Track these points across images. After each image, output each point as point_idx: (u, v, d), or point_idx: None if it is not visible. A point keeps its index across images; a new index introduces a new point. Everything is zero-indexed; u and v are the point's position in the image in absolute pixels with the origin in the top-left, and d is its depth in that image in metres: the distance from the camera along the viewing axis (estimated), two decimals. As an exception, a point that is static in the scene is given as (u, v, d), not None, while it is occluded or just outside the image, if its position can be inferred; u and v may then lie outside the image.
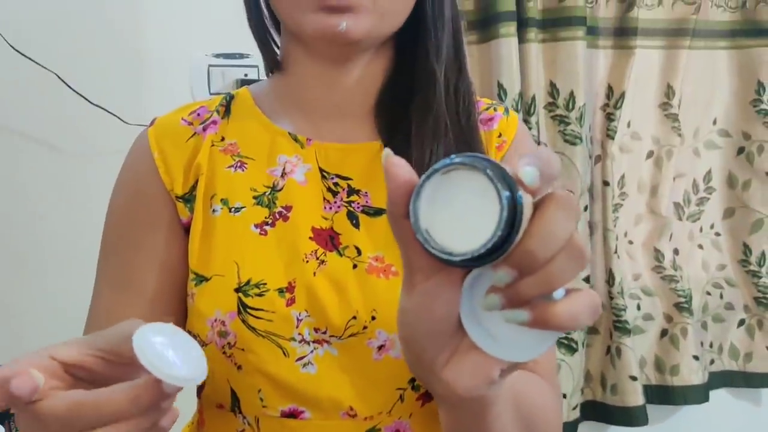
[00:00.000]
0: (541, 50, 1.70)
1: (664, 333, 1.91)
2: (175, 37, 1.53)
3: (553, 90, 1.72)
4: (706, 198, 1.99)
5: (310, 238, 0.61)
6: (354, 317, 0.58)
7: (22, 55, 1.38)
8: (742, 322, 1.99)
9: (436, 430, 0.56)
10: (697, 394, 1.88)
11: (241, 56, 1.57)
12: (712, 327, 1.99)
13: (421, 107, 0.65)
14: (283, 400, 0.60)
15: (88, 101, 1.42)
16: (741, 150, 1.96)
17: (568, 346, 1.76)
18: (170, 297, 0.66)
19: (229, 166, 0.66)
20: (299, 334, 0.59)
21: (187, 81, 1.55)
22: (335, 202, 0.63)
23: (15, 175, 1.47)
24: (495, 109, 0.71)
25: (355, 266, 0.60)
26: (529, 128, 1.67)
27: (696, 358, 1.88)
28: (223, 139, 0.67)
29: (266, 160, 0.66)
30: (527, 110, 1.67)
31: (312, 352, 0.59)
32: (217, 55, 1.56)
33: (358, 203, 0.63)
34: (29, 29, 1.40)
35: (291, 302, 0.59)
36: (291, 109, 0.69)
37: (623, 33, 1.80)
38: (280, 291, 0.59)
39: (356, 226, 0.62)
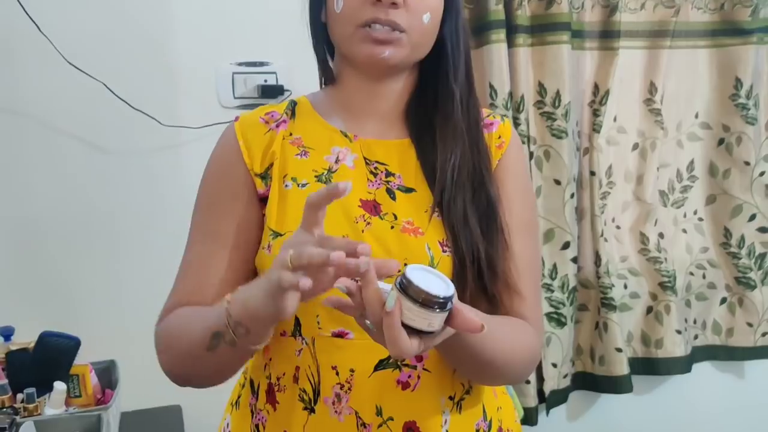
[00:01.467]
0: (530, 53, 1.88)
1: (649, 310, 2.08)
2: (203, 49, 1.73)
3: (541, 89, 1.89)
4: (689, 186, 2.15)
5: (358, 206, 0.81)
6: None
7: (74, 66, 1.60)
8: (723, 300, 2.15)
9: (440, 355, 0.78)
10: (679, 365, 2.05)
11: (261, 64, 1.77)
12: (696, 305, 2.15)
13: (443, 118, 0.85)
14: (335, 324, 0.79)
15: (130, 106, 1.64)
16: (721, 141, 2.12)
17: (557, 320, 1.94)
18: (245, 248, 0.84)
19: (297, 154, 0.86)
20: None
21: (214, 87, 1.75)
22: (376, 182, 0.83)
23: (66, 173, 1.68)
24: (494, 117, 0.90)
25: (392, 227, 0.80)
26: (518, 124, 1.85)
27: (678, 332, 2.05)
28: (291, 134, 0.87)
29: (324, 150, 0.86)
30: (516, 108, 1.85)
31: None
32: (240, 64, 1.76)
33: (394, 182, 0.83)
34: (80, 44, 1.61)
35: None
36: (342, 112, 0.88)
37: (607, 35, 1.97)
38: None
39: (393, 198, 0.82)
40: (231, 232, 0.83)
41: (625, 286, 2.08)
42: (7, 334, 1.61)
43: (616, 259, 2.08)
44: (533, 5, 1.87)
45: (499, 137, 0.88)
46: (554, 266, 1.93)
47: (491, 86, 1.81)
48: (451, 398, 0.83)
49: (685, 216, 2.16)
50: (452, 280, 0.64)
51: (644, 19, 2.02)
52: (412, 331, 0.60)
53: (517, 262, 0.83)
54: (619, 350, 1.96)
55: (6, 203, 1.66)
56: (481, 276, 0.80)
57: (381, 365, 0.79)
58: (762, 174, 2.08)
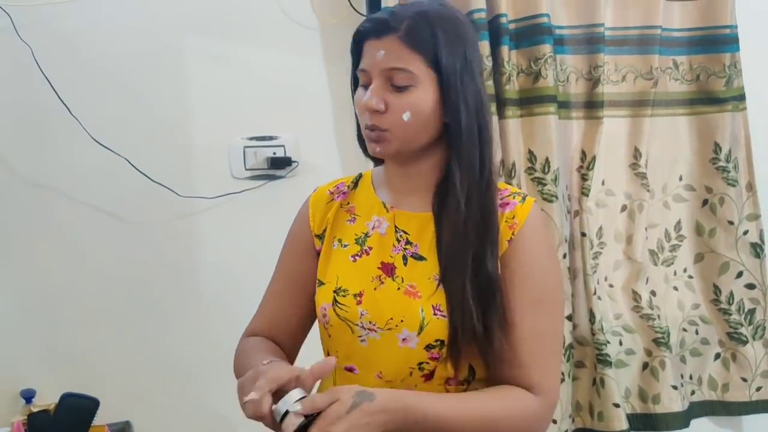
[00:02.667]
0: (519, 124, 2.02)
1: (645, 366, 2.14)
2: (216, 125, 1.88)
3: (531, 156, 2.02)
4: (677, 245, 2.25)
5: (378, 267, 0.97)
6: (392, 318, 0.92)
7: (100, 144, 1.74)
8: (717, 356, 2.21)
9: None
10: (678, 420, 2.09)
11: (271, 138, 1.91)
12: (691, 360, 2.21)
13: (452, 196, 0.93)
14: (346, 361, 0.97)
15: (150, 179, 1.77)
16: (705, 202, 2.23)
17: (555, 376, 2.01)
18: (306, 289, 1.04)
19: (347, 220, 1.04)
20: (361, 322, 0.94)
21: (227, 160, 1.89)
22: (398, 247, 0.97)
23: (87, 241, 1.80)
24: (514, 197, 0.96)
25: (398, 288, 0.94)
26: (511, 189, 1.97)
27: (675, 387, 2.10)
28: (348, 203, 1.06)
29: (367, 217, 1.02)
30: (508, 174, 1.98)
31: (367, 334, 0.94)
32: (251, 138, 1.90)
33: (410, 250, 0.96)
34: (105, 124, 1.76)
35: (359, 303, 0.94)
36: (387, 186, 1.04)
37: (592, 105, 2.11)
38: (355, 296, 0.95)
39: (405, 264, 0.95)
40: (298, 276, 1.05)
41: (620, 343, 2.15)
42: (29, 396, 1.69)
43: (610, 317, 2.15)
44: (521, 80, 2.03)
45: (513, 217, 0.94)
46: (550, 324, 2.00)
47: (484, 155, 1.94)
48: None
49: (675, 274, 2.24)
50: (447, 343, 0.86)
51: (626, 90, 2.16)
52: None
53: (524, 335, 0.91)
54: (617, 405, 2.01)
55: (29, 270, 1.77)
56: (475, 342, 0.90)
57: None
58: (746, 233, 2.18)
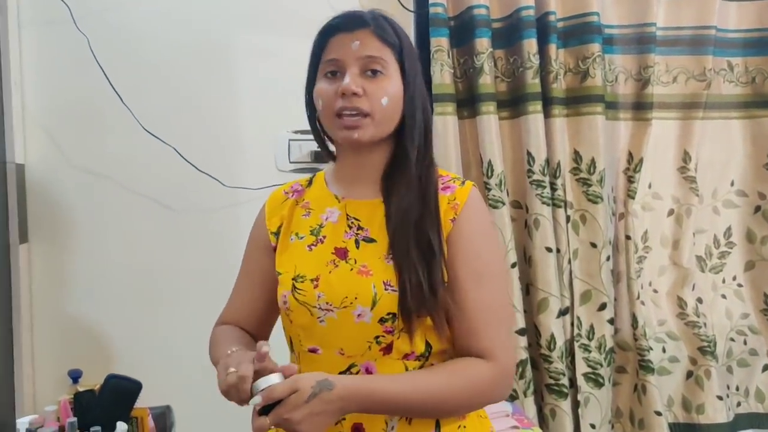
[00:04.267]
0: (565, 123, 1.99)
1: (689, 375, 2.09)
2: (263, 118, 1.91)
3: (576, 156, 1.99)
4: (727, 252, 2.19)
5: (332, 252, 1.02)
6: (346, 297, 0.97)
7: (150, 133, 1.79)
8: (766, 368, 2.14)
9: (392, 371, 0.96)
10: (722, 432, 2.04)
11: (315, 132, 1.93)
12: (738, 371, 2.15)
13: (400, 175, 1.03)
14: (308, 342, 1.01)
15: (197, 168, 1.81)
16: (758, 208, 2.16)
17: (595, 380, 1.97)
18: (265, 283, 1.11)
19: (303, 215, 1.10)
20: (318, 304, 0.99)
21: (272, 152, 1.92)
22: (350, 233, 1.02)
23: (135, 229, 1.85)
24: (454, 182, 1.05)
25: (351, 269, 1.00)
26: (555, 189, 1.95)
27: (720, 398, 2.04)
28: (303, 199, 1.13)
29: (321, 210, 1.08)
30: (553, 174, 1.95)
31: (324, 314, 0.99)
32: (296, 132, 1.92)
33: (362, 234, 1.02)
34: (155, 114, 1.81)
35: (316, 287, 1.00)
36: (339, 180, 1.10)
37: (640, 107, 2.07)
38: (312, 280, 1.00)
39: (357, 247, 1.01)
40: (258, 273, 1.12)
41: (664, 350, 2.10)
42: (76, 376, 1.74)
43: (653, 323, 2.11)
44: (568, 79, 2.00)
45: (454, 199, 1.02)
46: (591, 327, 1.97)
47: (529, 153, 1.92)
48: None
49: (723, 281, 2.18)
50: (398, 313, 0.94)
51: (676, 91, 2.12)
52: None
53: (470, 305, 0.98)
54: (659, 414, 1.97)
55: (80, 255, 1.82)
56: (424, 305, 0.95)
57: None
58: (800, 242, 2.11)
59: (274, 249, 1.09)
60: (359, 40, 1.00)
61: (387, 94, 0.99)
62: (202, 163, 1.82)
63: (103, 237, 1.83)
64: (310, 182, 1.15)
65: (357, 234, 1.02)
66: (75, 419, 1.53)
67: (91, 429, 1.52)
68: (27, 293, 1.77)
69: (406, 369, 0.98)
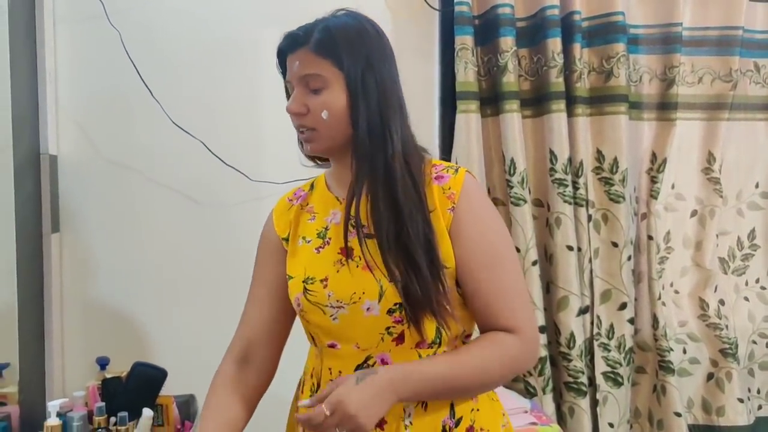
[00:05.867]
0: (589, 122, 1.99)
1: (710, 377, 2.08)
2: (287, 116, 1.93)
3: (599, 156, 2.00)
4: (750, 254, 2.17)
5: (338, 252, 1.05)
6: (354, 293, 1.00)
7: (178, 126, 1.83)
8: (788, 371, 2.13)
9: (407, 360, 0.99)
10: (742, 435, 2.03)
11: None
12: (759, 374, 2.13)
13: (369, 182, 1.03)
14: (326, 338, 1.05)
15: (224, 162, 1.85)
16: (783, 211, 2.15)
17: (614, 380, 1.98)
18: (278, 288, 1.14)
19: (309, 219, 1.13)
20: (329, 303, 1.02)
21: (296, 148, 1.93)
22: (353, 232, 1.03)
23: (162, 220, 1.89)
24: (447, 171, 1.06)
25: (357, 266, 1.02)
26: (577, 188, 1.96)
27: (741, 400, 2.03)
28: (308, 203, 1.15)
29: (325, 213, 1.11)
30: (575, 173, 1.96)
31: (336, 311, 1.02)
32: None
33: (363, 231, 1.02)
34: (184, 108, 1.85)
35: (325, 287, 1.03)
36: (336, 183, 1.12)
37: (665, 107, 2.07)
38: (321, 281, 1.04)
39: (361, 244, 1.02)
40: (273, 280, 1.14)
41: (684, 351, 2.09)
42: (104, 363, 1.79)
43: (674, 324, 2.10)
44: (592, 78, 2.01)
45: (449, 188, 1.03)
46: (611, 326, 1.98)
47: (551, 152, 1.93)
48: None
49: (746, 284, 2.17)
50: (404, 302, 0.96)
51: (702, 92, 2.11)
52: None
53: (489, 289, 1.01)
54: (678, 415, 1.96)
55: (108, 245, 1.87)
56: (425, 291, 0.97)
57: (358, 368, 1.02)
58: (826, 244, 2.09)
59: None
60: (298, 60, 1.04)
61: (325, 106, 1.01)
62: (229, 157, 1.86)
63: (131, 228, 1.88)
64: (312, 186, 1.18)
65: (360, 231, 1.04)
66: (103, 404, 1.58)
67: (118, 414, 1.56)
68: (58, 282, 1.82)
69: (420, 357, 1.00)
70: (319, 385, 1.06)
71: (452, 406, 1.02)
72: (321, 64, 1.02)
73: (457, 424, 1.01)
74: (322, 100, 1.02)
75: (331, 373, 1.04)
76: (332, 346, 1.05)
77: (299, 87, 1.04)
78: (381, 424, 0.99)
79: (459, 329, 1.03)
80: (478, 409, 1.04)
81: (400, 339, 1.00)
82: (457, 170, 1.05)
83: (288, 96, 1.10)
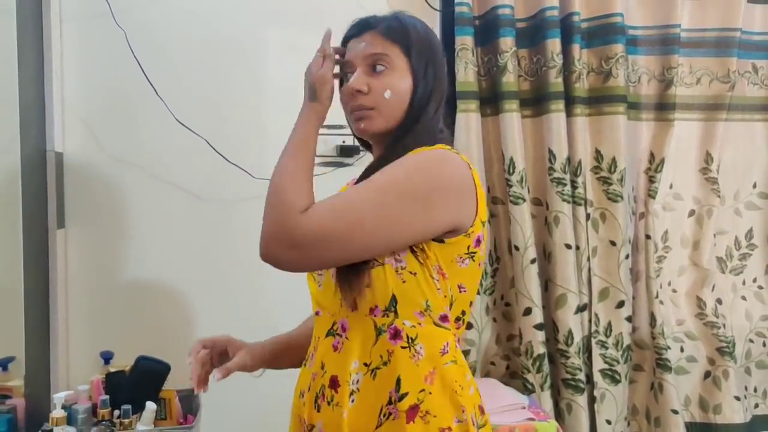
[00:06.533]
0: (587, 122, 2.02)
1: (707, 374, 2.10)
2: (290, 112, 1.94)
3: (597, 155, 2.02)
4: (748, 254, 2.19)
5: None
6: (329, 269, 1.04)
7: (182, 124, 1.85)
8: (785, 370, 2.14)
9: (363, 327, 1.01)
10: (738, 433, 2.05)
11: (340, 127, 1.95)
12: (756, 373, 2.15)
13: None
14: (315, 305, 1.11)
15: (227, 160, 1.87)
16: (780, 211, 2.17)
17: (611, 377, 2.00)
18: None
19: None
20: (316, 273, 1.08)
21: (299, 146, 1.96)
22: None
23: (165, 217, 1.92)
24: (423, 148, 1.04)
25: None
26: (575, 187, 1.98)
27: (738, 399, 2.05)
28: None
29: None
30: (574, 172, 1.98)
31: (320, 278, 1.07)
32: (321, 126, 1.97)
33: None
34: (187, 106, 1.87)
35: None
36: None
37: (663, 107, 2.08)
38: None
39: None
40: None
41: (682, 349, 2.11)
42: (107, 357, 1.81)
43: (672, 322, 2.12)
44: (591, 79, 2.03)
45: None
46: (609, 324, 2.00)
47: (550, 151, 1.95)
48: (366, 364, 1.02)
49: (744, 283, 2.19)
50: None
51: (700, 93, 2.13)
52: None
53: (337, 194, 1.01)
54: (675, 412, 1.98)
55: (113, 241, 1.89)
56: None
57: (328, 334, 1.06)
58: (822, 244, 2.11)
59: None
60: (365, 42, 1.07)
61: (390, 87, 1.05)
62: (232, 155, 1.89)
63: (135, 224, 1.90)
64: None
65: None
66: (107, 397, 1.60)
67: (122, 407, 1.59)
68: (63, 277, 1.84)
69: (375, 326, 1.01)
70: (316, 349, 1.09)
71: (399, 380, 0.99)
72: (389, 46, 1.06)
73: (401, 398, 0.99)
74: (386, 81, 1.05)
75: (314, 339, 1.10)
76: (317, 313, 1.10)
77: (362, 67, 1.06)
78: (334, 385, 1.01)
79: (421, 303, 1.01)
80: (430, 392, 1.00)
81: (353, 305, 1.02)
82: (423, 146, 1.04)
83: (342, 84, 1.11)
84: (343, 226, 0.94)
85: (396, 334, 1.01)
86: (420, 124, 1.07)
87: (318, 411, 1.03)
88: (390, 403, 0.99)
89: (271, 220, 0.96)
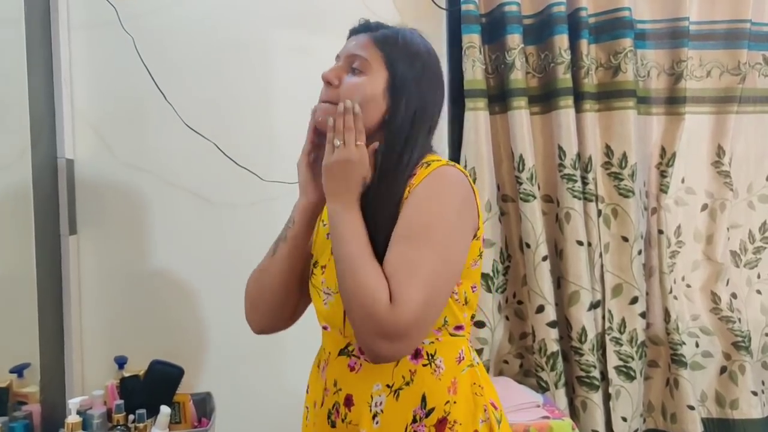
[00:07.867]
0: (597, 118, 2.01)
1: (723, 370, 2.08)
2: (298, 115, 1.95)
3: (608, 151, 2.00)
4: (762, 247, 2.17)
5: None
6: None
7: (191, 128, 1.86)
8: (802, 364, 2.12)
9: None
10: (756, 428, 2.02)
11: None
12: (773, 367, 2.13)
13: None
14: (322, 320, 1.10)
15: (236, 163, 1.88)
16: (794, 203, 2.14)
17: (626, 374, 1.98)
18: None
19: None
20: (323, 288, 1.07)
21: (307, 148, 1.97)
22: None
23: (176, 220, 1.92)
24: (423, 166, 1.03)
25: None
26: (586, 183, 1.97)
27: (755, 393, 2.03)
28: None
29: None
30: (584, 168, 1.97)
31: (327, 298, 1.06)
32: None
33: None
34: (196, 110, 1.88)
35: (323, 273, 1.07)
36: None
37: (673, 101, 2.07)
38: (321, 267, 1.08)
39: None
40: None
41: (697, 345, 2.10)
42: (122, 362, 1.82)
43: (686, 317, 2.10)
44: (600, 74, 2.02)
45: (414, 183, 1.01)
46: (623, 320, 1.98)
47: (560, 148, 1.94)
48: (389, 386, 1.02)
49: (759, 277, 2.17)
50: None
51: (710, 86, 2.11)
52: None
53: (388, 258, 0.95)
54: (692, 408, 1.97)
55: (125, 246, 1.90)
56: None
57: (341, 353, 1.05)
58: (838, 236, 2.09)
59: (327, 236, 1.11)
60: (356, 41, 1.07)
61: (357, 88, 1.02)
62: (241, 158, 1.89)
63: (146, 229, 1.91)
64: None
65: None
66: (122, 402, 1.61)
67: (137, 412, 1.59)
68: (76, 283, 1.85)
69: None
70: (322, 362, 1.10)
71: (424, 398, 1.00)
72: (373, 52, 1.04)
73: (428, 414, 1.00)
74: (356, 81, 1.03)
75: (325, 353, 1.09)
76: (325, 327, 1.10)
77: (344, 63, 1.06)
78: (349, 404, 1.02)
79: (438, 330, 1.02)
80: (455, 402, 1.01)
81: None
82: (428, 165, 1.03)
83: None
84: (431, 300, 0.94)
85: (417, 354, 1.01)
86: (393, 145, 1.02)
87: (333, 427, 1.04)
88: (415, 421, 1.00)
89: (363, 320, 0.92)
